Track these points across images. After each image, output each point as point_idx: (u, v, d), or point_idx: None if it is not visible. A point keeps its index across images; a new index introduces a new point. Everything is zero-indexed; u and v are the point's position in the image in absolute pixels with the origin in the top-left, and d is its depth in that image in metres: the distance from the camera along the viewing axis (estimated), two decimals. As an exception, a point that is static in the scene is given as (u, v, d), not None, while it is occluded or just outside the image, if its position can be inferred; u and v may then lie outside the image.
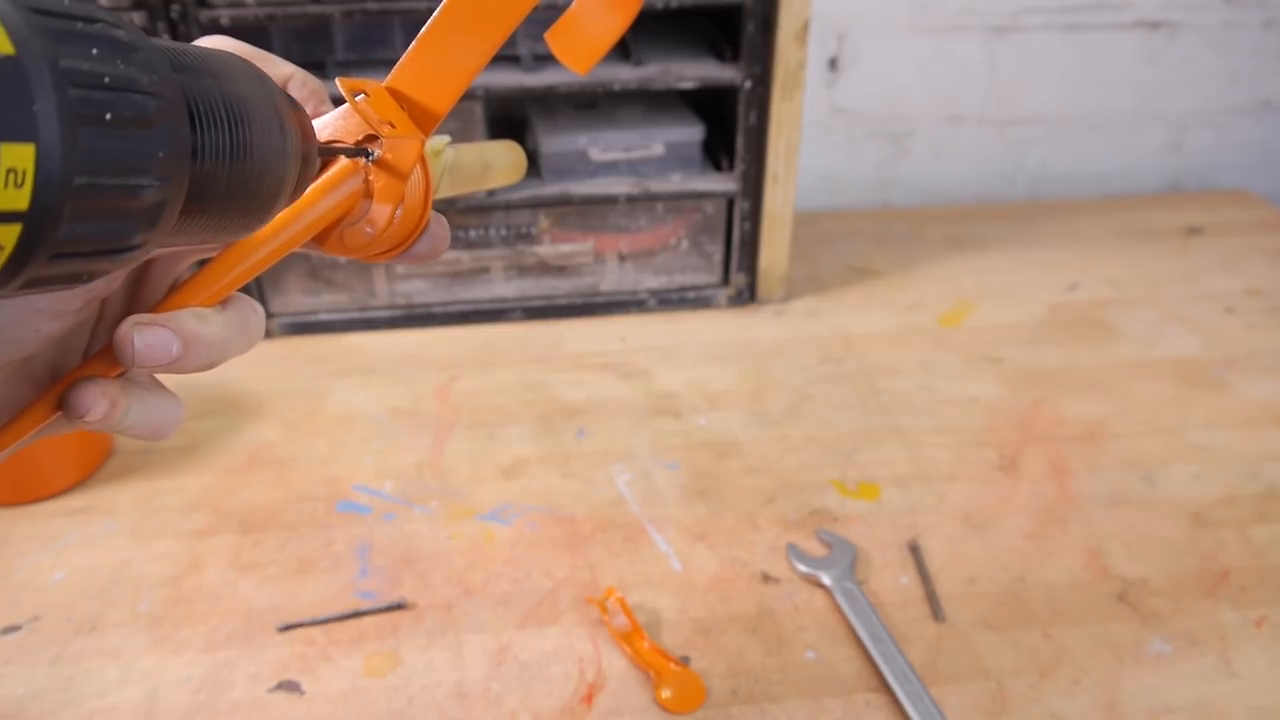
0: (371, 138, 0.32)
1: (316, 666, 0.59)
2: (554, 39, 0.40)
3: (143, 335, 0.28)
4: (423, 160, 0.33)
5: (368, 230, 0.32)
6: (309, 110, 0.33)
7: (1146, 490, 0.72)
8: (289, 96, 0.28)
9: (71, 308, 0.30)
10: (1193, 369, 0.85)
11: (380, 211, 0.32)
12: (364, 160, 0.32)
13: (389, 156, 0.32)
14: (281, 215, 0.31)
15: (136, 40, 0.22)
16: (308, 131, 0.29)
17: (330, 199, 0.31)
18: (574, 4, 0.40)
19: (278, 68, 0.33)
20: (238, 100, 0.25)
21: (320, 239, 0.33)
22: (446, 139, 0.35)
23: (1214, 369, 0.85)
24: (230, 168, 0.25)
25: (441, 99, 0.33)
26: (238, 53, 0.31)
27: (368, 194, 0.32)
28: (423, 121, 0.33)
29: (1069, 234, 1.06)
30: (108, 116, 0.21)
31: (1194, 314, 0.93)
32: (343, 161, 0.32)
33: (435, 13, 0.33)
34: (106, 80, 0.21)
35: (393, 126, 0.32)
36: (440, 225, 0.34)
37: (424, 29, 0.33)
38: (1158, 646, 0.60)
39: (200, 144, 0.24)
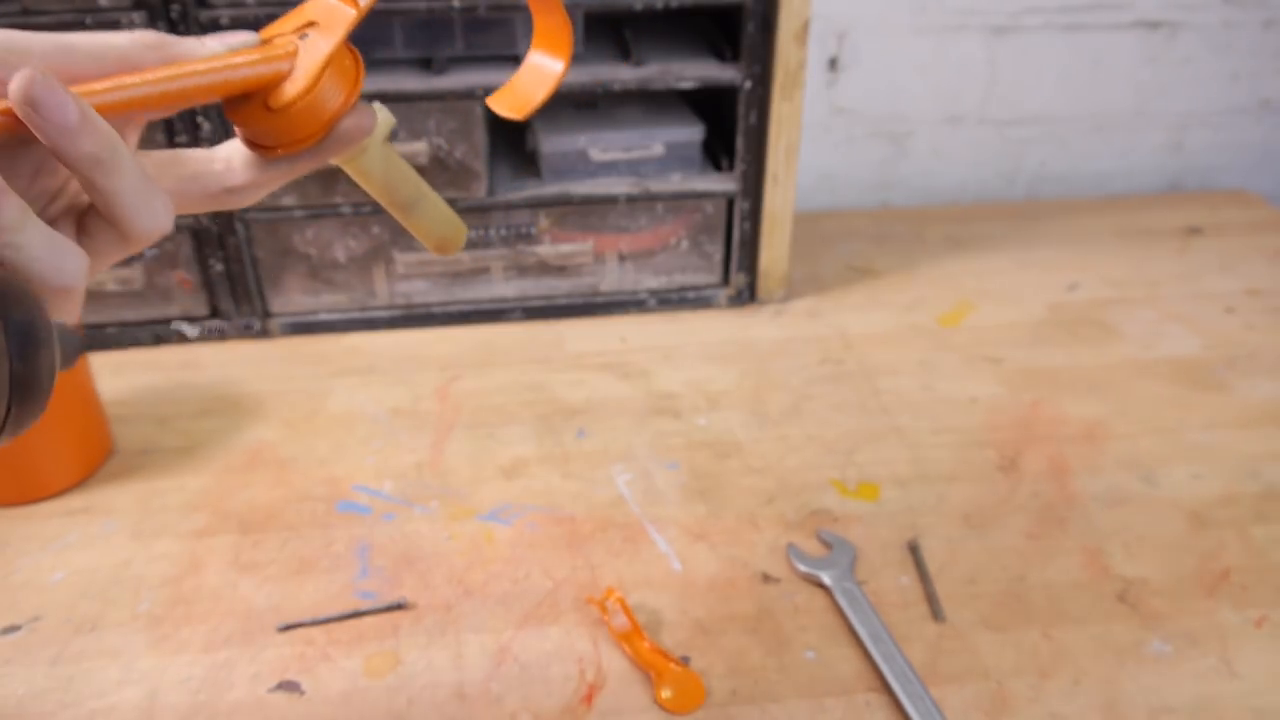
0: (311, 23, 0.38)
1: (316, 666, 0.59)
2: (495, 103, 0.44)
3: (47, 82, 0.29)
4: (338, 61, 0.37)
5: (280, 97, 0.36)
6: (159, 56, 0.35)
7: (1146, 490, 0.72)
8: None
9: None
10: (1193, 369, 0.85)
11: (291, 86, 0.36)
12: (296, 40, 0.37)
13: (315, 36, 0.38)
14: (204, 62, 0.34)
15: None
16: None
17: (249, 67, 0.35)
18: (513, 78, 0.44)
19: (115, 39, 0.34)
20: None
21: (242, 117, 0.36)
22: (390, 117, 0.41)
23: (1214, 369, 0.85)
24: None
25: None
26: (149, 42, 0.34)
27: (281, 78, 0.36)
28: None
29: (1069, 234, 1.06)
30: None
31: (1194, 314, 0.93)
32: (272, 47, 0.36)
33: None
34: None
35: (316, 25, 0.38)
36: (365, 111, 0.38)
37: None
38: (1158, 646, 0.60)
39: None
